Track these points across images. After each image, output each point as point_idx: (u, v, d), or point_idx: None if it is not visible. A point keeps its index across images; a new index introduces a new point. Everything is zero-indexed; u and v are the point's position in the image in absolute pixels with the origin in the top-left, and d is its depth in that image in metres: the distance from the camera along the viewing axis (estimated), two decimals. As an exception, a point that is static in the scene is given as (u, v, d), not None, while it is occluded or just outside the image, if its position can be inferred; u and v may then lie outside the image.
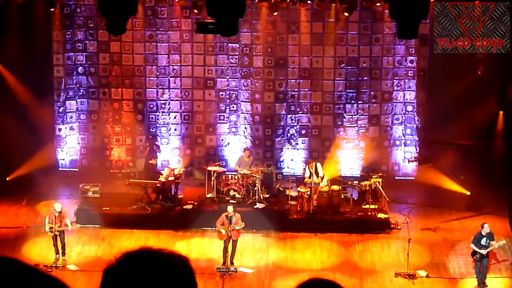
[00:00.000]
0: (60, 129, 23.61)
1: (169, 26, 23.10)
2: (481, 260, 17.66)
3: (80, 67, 23.41)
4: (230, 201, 20.36)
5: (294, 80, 23.31)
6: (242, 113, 23.52)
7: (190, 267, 3.03)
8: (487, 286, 17.73)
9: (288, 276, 18.36)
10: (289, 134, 23.58)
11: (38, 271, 2.88)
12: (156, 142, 22.98)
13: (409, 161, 23.11)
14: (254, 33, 23.04)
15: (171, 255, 3.01)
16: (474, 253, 17.72)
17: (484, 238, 17.61)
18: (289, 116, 23.51)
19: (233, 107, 23.50)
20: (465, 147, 21.90)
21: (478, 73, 21.85)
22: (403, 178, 23.51)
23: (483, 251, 17.52)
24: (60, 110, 23.52)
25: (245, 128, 23.60)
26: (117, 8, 12.95)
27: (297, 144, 23.58)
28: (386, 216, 20.77)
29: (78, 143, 23.78)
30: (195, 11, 21.46)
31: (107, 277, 2.97)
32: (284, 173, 23.24)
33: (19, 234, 20.12)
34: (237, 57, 23.24)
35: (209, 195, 21.25)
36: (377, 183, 20.89)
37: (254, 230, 20.25)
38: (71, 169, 23.68)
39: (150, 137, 23.24)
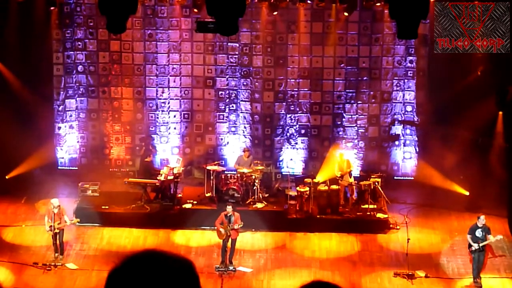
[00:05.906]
0: (59, 128, 23.60)
1: (169, 25, 23.09)
2: (476, 252, 17.65)
3: (80, 66, 23.40)
4: (229, 200, 20.36)
5: (293, 80, 23.30)
6: (241, 112, 23.52)
7: (195, 271, 3.00)
8: (481, 286, 17.69)
9: (287, 275, 18.36)
10: (288, 134, 23.58)
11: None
12: (152, 142, 22.99)
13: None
14: (254, 33, 23.04)
15: (176, 258, 2.98)
16: (470, 245, 17.73)
17: (479, 230, 17.61)
18: (288, 115, 23.50)
19: (232, 106, 23.50)
20: (465, 145, 21.83)
21: (477, 73, 21.84)
22: (402, 178, 23.51)
23: (478, 245, 17.52)
24: (60, 108, 23.51)
25: (245, 127, 23.59)
26: (117, 7, 12.96)
27: (296, 143, 23.58)
28: (385, 216, 20.77)
29: (78, 141, 23.77)
30: (195, 10, 21.49)
31: (112, 279, 2.96)
32: (283, 173, 23.25)
33: (18, 233, 20.10)
34: (236, 56, 23.23)
35: (208, 194, 21.25)
36: (376, 183, 20.90)
37: (253, 230, 20.26)
38: (70, 168, 23.68)
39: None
